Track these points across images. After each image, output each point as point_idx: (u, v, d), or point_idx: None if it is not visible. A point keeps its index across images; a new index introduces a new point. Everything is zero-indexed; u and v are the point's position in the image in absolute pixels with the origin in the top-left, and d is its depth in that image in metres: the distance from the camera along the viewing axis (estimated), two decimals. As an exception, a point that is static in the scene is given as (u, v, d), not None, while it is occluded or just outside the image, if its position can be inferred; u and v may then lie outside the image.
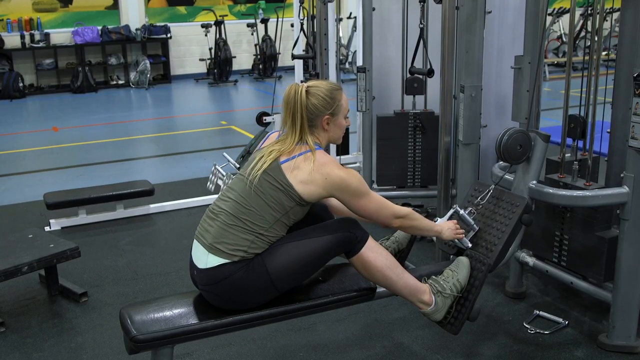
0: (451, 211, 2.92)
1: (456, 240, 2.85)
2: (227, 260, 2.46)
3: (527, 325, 3.37)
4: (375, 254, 2.57)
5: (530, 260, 3.59)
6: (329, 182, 2.49)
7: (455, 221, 2.86)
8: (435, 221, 2.89)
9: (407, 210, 2.69)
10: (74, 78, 12.03)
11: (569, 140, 3.41)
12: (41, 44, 11.99)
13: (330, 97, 2.60)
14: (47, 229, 4.94)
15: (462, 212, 2.89)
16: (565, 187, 3.28)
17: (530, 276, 3.88)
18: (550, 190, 3.08)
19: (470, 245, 2.86)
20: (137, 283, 4.03)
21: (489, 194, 2.98)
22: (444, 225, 2.82)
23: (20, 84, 11.59)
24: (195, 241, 2.59)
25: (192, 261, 2.58)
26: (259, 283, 2.48)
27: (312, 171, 2.48)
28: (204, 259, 2.51)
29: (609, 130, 3.43)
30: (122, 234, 4.88)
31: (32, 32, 11.99)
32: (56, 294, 3.87)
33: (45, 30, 12.10)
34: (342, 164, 2.62)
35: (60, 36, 12.24)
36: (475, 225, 2.88)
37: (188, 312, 2.51)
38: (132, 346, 2.40)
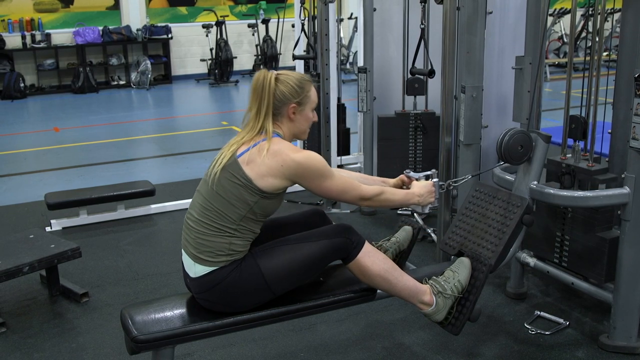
0: (429, 173, 2.88)
1: (416, 206, 2.81)
2: (214, 268, 2.46)
3: (528, 326, 3.37)
4: (372, 259, 2.56)
5: (531, 261, 3.59)
6: (287, 169, 2.45)
7: (433, 183, 2.83)
8: (408, 174, 2.89)
9: (374, 190, 2.65)
10: (75, 78, 12.03)
11: (570, 141, 3.41)
12: (42, 45, 11.99)
13: (299, 86, 2.56)
14: (48, 229, 4.94)
15: (436, 180, 2.87)
16: (567, 168, 3.29)
17: (531, 277, 3.88)
18: (551, 191, 3.08)
19: (427, 211, 2.86)
20: (138, 283, 4.03)
21: (464, 180, 3.02)
22: (422, 190, 2.78)
23: (22, 85, 11.59)
24: (182, 250, 2.59)
25: (184, 269, 2.58)
26: (253, 285, 2.47)
27: (267, 161, 2.44)
28: (193, 268, 2.52)
29: (610, 130, 3.44)
30: (123, 234, 4.89)
31: (33, 32, 12.00)
32: (57, 294, 3.87)
33: (47, 31, 12.10)
34: (302, 148, 2.62)
35: (61, 36, 12.24)
36: (437, 201, 2.86)
37: (189, 313, 2.51)
38: (133, 346, 2.40)
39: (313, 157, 2.50)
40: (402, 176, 2.92)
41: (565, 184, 3.32)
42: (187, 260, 2.55)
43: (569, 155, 3.41)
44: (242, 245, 2.49)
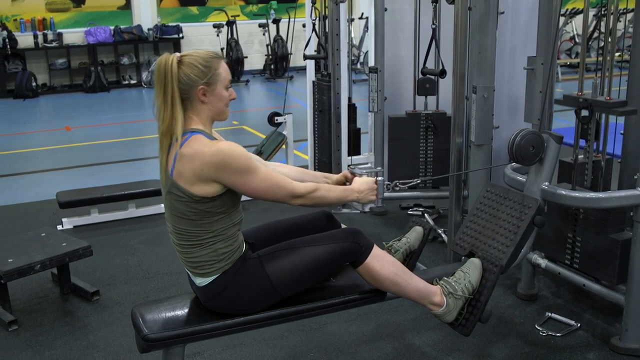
0: (374, 170, 2.79)
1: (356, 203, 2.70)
2: (213, 277, 2.44)
3: (538, 328, 3.35)
4: (381, 263, 2.54)
5: (543, 262, 3.57)
6: (207, 170, 2.29)
7: (375, 180, 2.65)
8: (352, 170, 2.75)
9: (308, 187, 2.47)
10: (86, 78, 12.08)
11: (582, 142, 3.39)
12: (54, 44, 12.05)
13: (204, 66, 2.37)
14: (59, 227, 4.96)
15: (381, 178, 2.68)
16: (585, 102, 3.18)
17: (542, 278, 3.87)
18: (563, 192, 3.07)
19: (367, 210, 2.75)
20: (148, 282, 4.04)
21: (413, 183, 2.90)
22: (362, 187, 2.60)
23: (34, 84, 11.65)
24: None
25: (189, 277, 2.57)
26: (260, 288, 2.46)
27: (190, 167, 2.30)
28: (194, 279, 2.51)
29: (622, 131, 3.42)
30: (134, 233, 4.90)
31: (45, 31, 12.06)
32: (68, 292, 3.89)
33: (58, 30, 12.16)
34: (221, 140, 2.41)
35: (73, 36, 12.30)
36: (381, 201, 2.68)
37: (199, 312, 2.52)
38: (143, 345, 2.41)
39: (231, 149, 2.32)
40: (345, 172, 2.79)
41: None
42: (188, 271, 2.54)
43: (581, 156, 3.40)
44: (229, 245, 2.44)
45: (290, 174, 2.70)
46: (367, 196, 2.61)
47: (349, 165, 2.79)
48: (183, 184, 2.32)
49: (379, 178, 2.67)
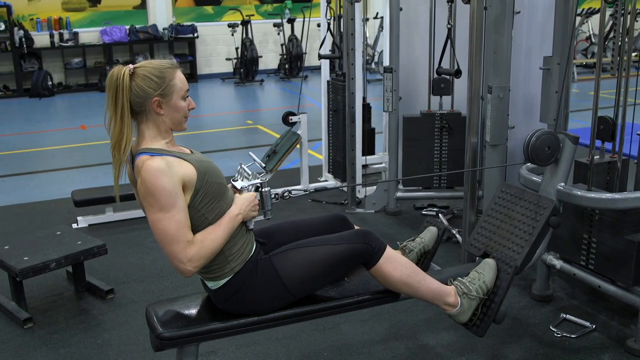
0: (257, 182, 2.52)
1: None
2: (226, 279, 2.44)
3: (553, 329, 3.34)
4: (394, 264, 2.53)
5: (558, 263, 3.55)
6: (142, 191, 2.28)
7: (255, 195, 2.49)
8: (234, 183, 2.54)
9: (195, 242, 2.30)
10: (101, 77, 12.15)
11: (598, 142, 3.37)
12: (70, 43, 12.12)
13: (158, 77, 2.31)
14: (74, 226, 4.99)
15: (266, 189, 2.52)
16: None
17: (557, 279, 3.85)
18: (579, 192, 3.05)
19: (252, 227, 2.50)
20: (162, 281, 4.05)
21: (303, 193, 2.73)
22: (242, 207, 2.42)
23: (49, 83, 11.73)
24: None
25: (202, 279, 2.57)
26: (272, 288, 2.45)
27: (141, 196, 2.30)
28: (207, 283, 2.50)
29: (639, 132, 3.39)
30: (149, 231, 4.84)
31: (61, 31, 12.13)
32: (83, 290, 3.91)
33: (74, 30, 12.23)
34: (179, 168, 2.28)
35: (89, 35, 12.36)
36: (270, 213, 2.52)
37: (213, 311, 2.52)
38: (157, 343, 2.41)
39: (158, 176, 2.23)
40: (229, 186, 2.55)
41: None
42: (200, 276, 2.54)
43: (597, 157, 3.38)
44: (235, 245, 2.43)
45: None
46: (249, 213, 2.45)
47: (232, 178, 2.61)
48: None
49: (264, 189, 2.52)
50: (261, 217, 2.50)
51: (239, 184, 2.54)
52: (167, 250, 2.30)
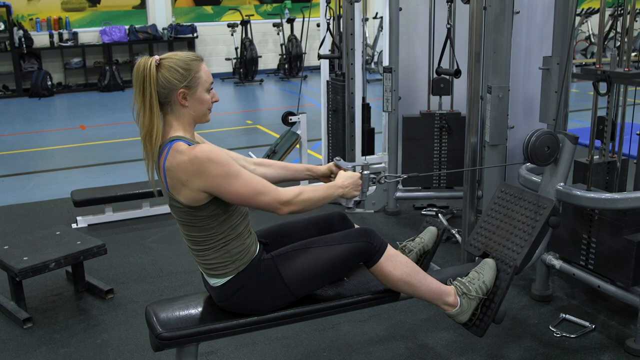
0: (360, 164, 2.66)
1: (341, 199, 2.58)
2: (228, 278, 2.44)
3: (553, 329, 3.34)
4: (395, 263, 2.53)
5: (557, 263, 3.55)
6: (190, 178, 2.25)
7: (360, 175, 2.58)
8: (338, 162, 2.66)
9: (293, 191, 2.37)
10: (101, 77, 12.15)
11: (597, 142, 3.37)
12: (69, 43, 12.12)
13: (184, 69, 2.32)
14: (74, 226, 4.99)
15: (366, 172, 2.60)
16: (603, 75, 3.11)
17: (556, 279, 3.85)
18: (578, 192, 3.05)
19: (351, 205, 2.62)
20: (162, 281, 4.05)
21: (400, 178, 2.88)
22: (345, 182, 2.52)
23: (49, 83, 11.73)
24: None
25: (203, 277, 2.57)
26: (274, 289, 2.46)
27: (178, 180, 2.28)
28: (209, 280, 2.51)
29: (638, 132, 3.40)
30: (148, 231, 4.92)
31: (61, 31, 12.13)
32: (82, 290, 3.90)
33: (74, 30, 12.23)
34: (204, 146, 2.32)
35: (88, 35, 12.37)
36: (365, 195, 2.62)
37: (213, 311, 2.52)
38: (157, 343, 2.42)
39: (206, 154, 2.24)
40: (331, 164, 2.70)
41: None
42: (202, 272, 2.55)
43: (596, 157, 3.38)
44: (242, 243, 2.43)
45: (272, 172, 2.67)
46: (351, 191, 2.54)
47: (335, 157, 2.72)
48: (177, 196, 2.31)
49: (365, 172, 2.60)
50: (356, 198, 2.58)
51: (342, 164, 2.65)
52: (260, 205, 2.33)
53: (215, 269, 2.44)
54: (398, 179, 2.82)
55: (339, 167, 2.65)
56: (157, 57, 2.34)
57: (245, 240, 2.44)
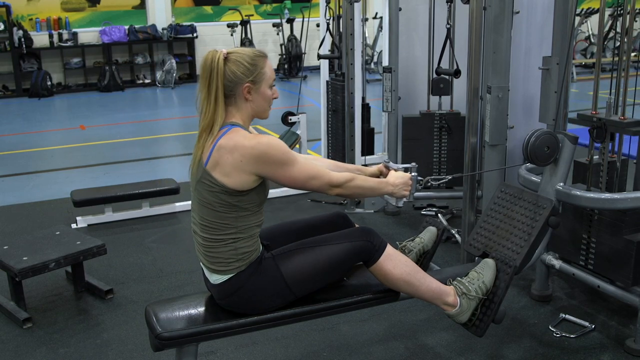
0: (408, 165, 2.75)
1: (389, 198, 2.71)
2: (231, 275, 2.45)
3: (552, 329, 3.34)
4: (394, 262, 2.53)
5: (557, 263, 3.55)
6: (247, 162, 2.32)
7: (410, 176, 2.69)
8: (387, 164, 2.79)
9: (345, 176, 2.51)
10: (101, 77, 12.15)
11: (596, 143, 3.37)
12: (69, 43, 12.11)
13: (251, 64, 2.40)
14: (73, 226, 4.98)
15: (414, 174, 2.72)
16: (599, 122, 3.17)
17: (556, 279, 3.85)
18: (578, 192, 3.05)
19: (400, 205, 2.74)
20: (162, 281, 4.05)
21: (445, 180, 2.93)
22: (397, 181, 2.64)
23: (49, 83, 11.73)
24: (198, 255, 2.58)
25: (204, 275, 2.58)
26: (274, 288, 2.46)
27: (228, 159, 2.32)
28: (210, 277, 2.51)
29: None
30: (148, 232, 4.92)
31: (61, 31, 12.12)
32: (82, 290, 3.90)
33: (73, 30, 12.23)
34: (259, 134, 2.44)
35: (88, 35, 12.36)
36: (412, 196, 2.72)
37: (213, 311, 2.52)
38: (157, 343, 2.42)
39: (272, 143, 2.35)
40: (380, 165, 2.82)
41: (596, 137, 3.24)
42: (204, 267, 2.55)
43: (596, 157, 3.38)
44: (249, 245, 2.45)
45: (325, 166, 2.71)
46: (401, 191, 2.65)
47: (384, 159, 2.81)
48: (217, 174, 2.35)
49: (413, 174, 2.71)
50: (405, 199, 2.69)
51: (392, 165, 2.76)
52: (313, 188, 2.49)
53: (219, 264, 2.44)
54: (443, 181, 2.89)
55: (388, 168, 2.77)
56: (224, 50, 2.41)
57: (253, 243, 2.47)
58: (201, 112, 2.41)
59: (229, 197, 2.37)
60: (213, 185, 2.36)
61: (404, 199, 2.69)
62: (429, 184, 2.87)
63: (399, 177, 2.65)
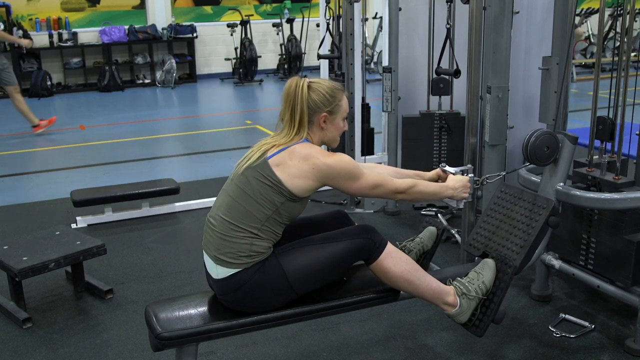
0: (465, 168, 2.91)
1: (450, 200, 2.85)
2: (236, 270, 2.46)
3: (552, 329, 3.34)
4: (395, 260, 2.55)
5: (557, 263, 3.55)
6: (318, 172, 2.48)
7: (468, 178, 2.85)
8: (444, 168, 2.92)
9: (407, 183, 2.67)
10: (100, 77, 12.14)
11: (597, 142, 3.37)
12: (69, 43, 12.11)
13: (330, 95, 2.57)
14: (73, 226, 4.98)
15: (471, 175, 2.89)
16: (593, 180, 3.24)
17: (556, 279, 3.85)
18: (578, 192, 3.05)
19: (462, 207, 2.90)
20: (162, 281, 4.05)
21: (499, 177, 3.03)
22: (457, 184, 2.80)
23: (49, 83, 11.72)
24: (204, 251, 2.60)
25: (207, 270, 2.59)
26: (276, 286, 2.48)
27: (298, 164, 2.47)
28: (214, 270, 2.53)
29: (638, 132, 3.40)
30: (148, 232, 4.92)
31: (60, 31, 12.11)
32: (82, 290, 3.90)
33: (73, 30, 12.21)
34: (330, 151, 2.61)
35: (88, 35, 12.36)
36: (470, 197, 2.88)
37: (212, 311, 2.53)
38: (156, 343, 2.42)
39: (344, 160, 2.51)
40: (437, 170, 2.94)
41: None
42: (208, 261, 2.56)
43: (596, 157, 3.38)
44: (264, 247, 2.48)
45: (387, 173, 2.82)
46: (461, 193, 2.80)
47: (440, 164, 2.92)
48: (278, 171, 2.46)
49: (470, 175, 2.86)
50: (465, 201, 2.86)
51: (450, 169, 2.90)
52: (378, 195, 2.66)
53: (229, 255, 2.46)
54: (498, 177, 3.05)
55: (446, 172, 2.91)
56: (307, 79, 2.59)
57: (268, 248, 2.50)
58: (282, 132, 2.57)
59: (276, 195, 2.46)
60: (268, 178, 2.45)
61: (464, 201, 2.83)
62: (485, 183, 3.01)
63: (458, 181, 2.80)
